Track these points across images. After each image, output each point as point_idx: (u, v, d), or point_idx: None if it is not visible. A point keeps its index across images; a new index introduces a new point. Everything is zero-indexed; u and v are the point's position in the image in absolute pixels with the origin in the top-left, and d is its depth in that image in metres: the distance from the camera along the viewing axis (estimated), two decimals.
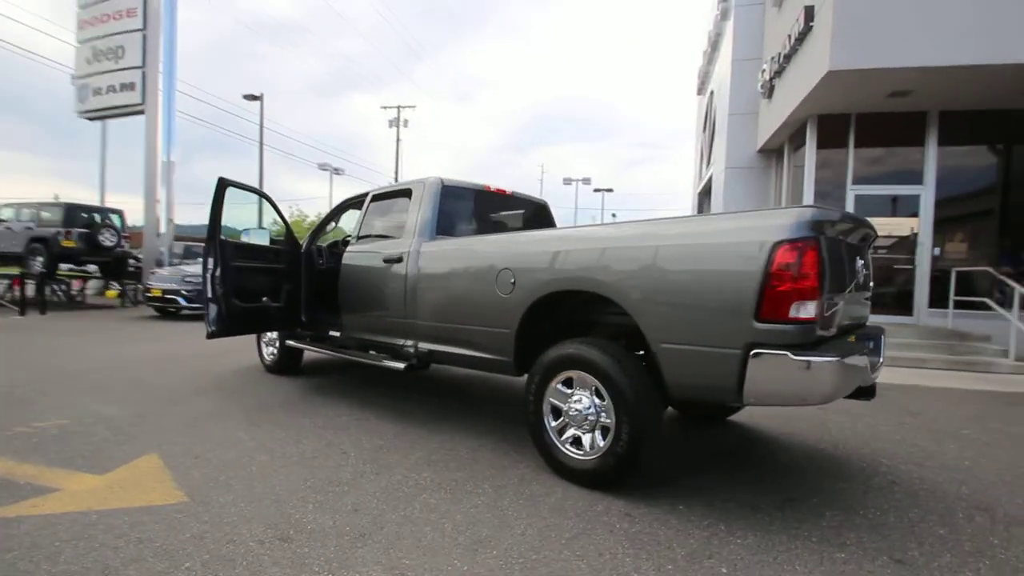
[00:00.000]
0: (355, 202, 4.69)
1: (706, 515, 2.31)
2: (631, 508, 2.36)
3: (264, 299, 4.44)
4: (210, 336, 4.07)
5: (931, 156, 7.12)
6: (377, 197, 4.27)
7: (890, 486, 2.70)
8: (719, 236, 2.14)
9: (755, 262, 2.01)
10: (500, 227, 4.33)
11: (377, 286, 3.87)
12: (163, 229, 13.33)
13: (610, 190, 43.58)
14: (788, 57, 7.53)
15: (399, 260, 3.66)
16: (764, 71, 8.68)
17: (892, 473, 2.88)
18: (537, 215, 4.56)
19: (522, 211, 4.46)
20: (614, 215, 43.77)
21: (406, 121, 32.64)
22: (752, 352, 2.02)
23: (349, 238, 5.64)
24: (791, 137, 8.55)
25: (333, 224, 4.97)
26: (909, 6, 5.66)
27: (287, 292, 4.61)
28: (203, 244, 4.31)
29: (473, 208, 4.06)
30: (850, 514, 2.36)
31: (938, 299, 7.12)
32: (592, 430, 2.57)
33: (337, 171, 35.63)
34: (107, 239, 11.72)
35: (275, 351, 5.10)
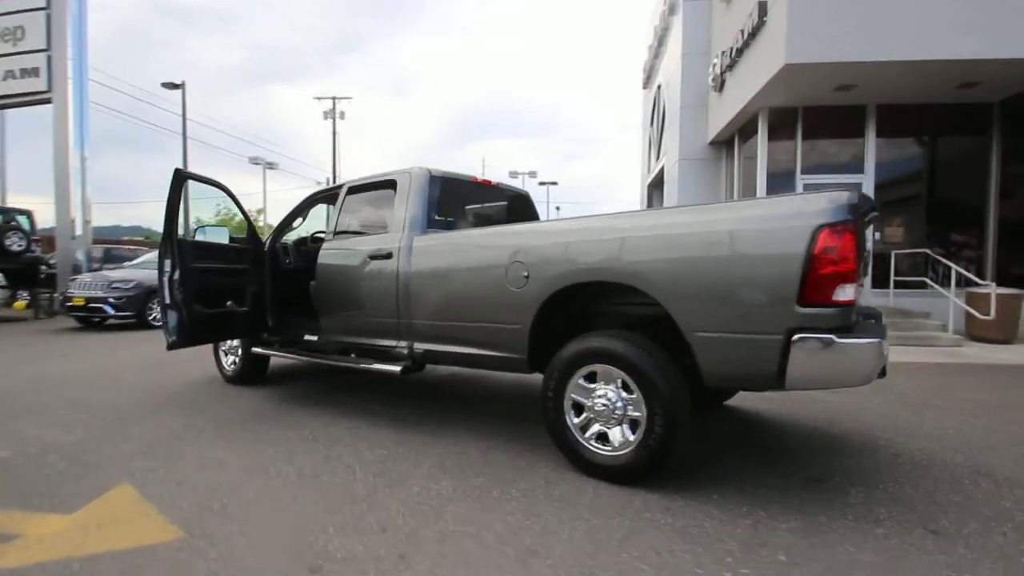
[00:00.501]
0: (326, 196, 4.37)
1: (741, 502, 2.30)
2: (667, 502, 2.31)
3: (229, 303, 4.05)
4: (171, 347, 3.66)
5: (870, 147, 7.65)
6: (354, 190, 3.98)
7: (895, 459, 2.82)
8: (758, 222, 2.11)
9: (798, 246, 2.00)
10: (487, 219, 4.18)
11: (363, 285, 3.61)
12: (79, 231, 12.04)
13: (555, 183, 44.11)
14: (740, 51, 7.82)
15: (388, 256, 3.43)
16: (715, 65, 8.97)
17: (891, 446, 3.01)
18: (520, 206, 4.44)
19: (505, 203, 4.33)
20: (558, 208, 44.34)
21: (342, 113, 31.37)
22: (795, 337, 2.01)
23: (320, 234, 5.30)
24: (741, 129, 8.91)
25: (300, 220, 4.60)
26: (857, 4, 6.00)
27: (252, 295, 4.24)
28: (128, 246, 3.86)
29: (460, 199, 3.87)
30: (872, 489, 2.43)
31: (881, 280, 7.67)
32: (619, 424, 2.50)
33: (271, 165, 33.73)
34: (14, 243, 10.42)
35: (237, 359, 4.68)
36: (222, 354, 4.86)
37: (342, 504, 2.32)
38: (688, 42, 10.07)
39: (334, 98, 30.96)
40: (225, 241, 4.23)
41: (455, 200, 3.78)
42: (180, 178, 3.58)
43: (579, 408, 2.63)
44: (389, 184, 3.72)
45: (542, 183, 42.10)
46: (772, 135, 7.93)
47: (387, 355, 3.54)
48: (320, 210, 4.90)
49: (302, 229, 4.81)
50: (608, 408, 2.50)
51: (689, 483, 2.49)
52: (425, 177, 3.56)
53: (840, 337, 1.96)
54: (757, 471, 2.65)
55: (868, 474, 2.61)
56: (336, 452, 2.98)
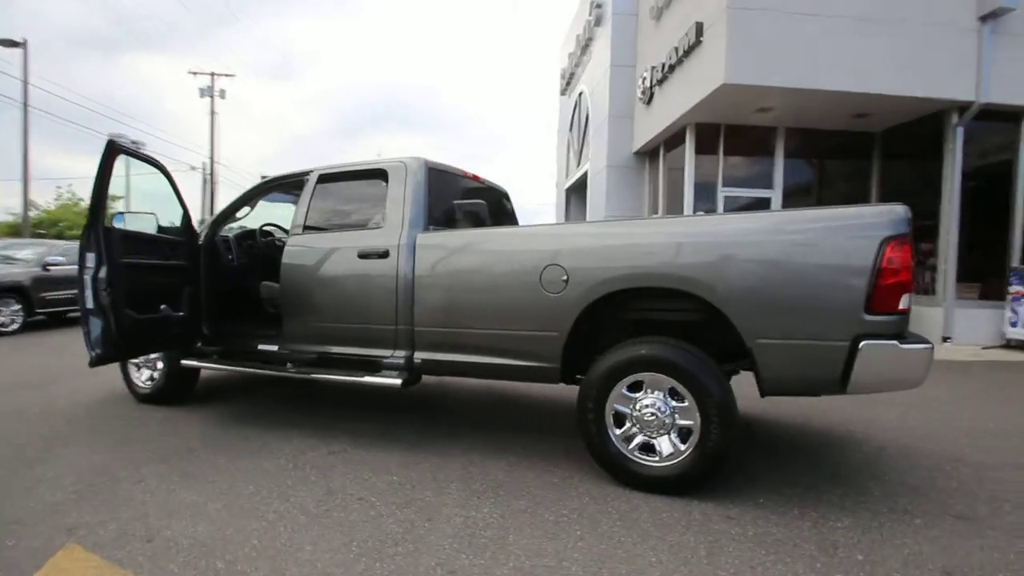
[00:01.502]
0: (286, 183, 3.79)
1: (789, 505, 2.34)
2: (723, 510, 2.29)
3: (163, 307, 3.34)
4: (96, 362, 2.92)
5: (779, 165, 8.52)
6: (328, 179, 3.49)
7: (881, 452, 3.06)
8: (827, 233, 2.16)
9: (867, 257, 2.07)
10: (475, 216, 3.92)
11: (347, 288, 3.17)
12: None
13: None
14: (672, 68, 8.28)
15: (383, 255, 3.04)
16: (644, 79, 9.42)
17: (871, 440, 3.28)
18: (501, 203, 4.22)
19: (498, 199, 4.10)
20: None
21: (222, 92, 28.14)
22: (862, 344, 2.08)
23: (269, 227, 4.63)
24: (667, 141, 9.46)
25: (247, 209, 3.95)
26: (787, 36, 6.62)
27: (189, 297, 3.55)
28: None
29: (452, 195, 3.57)
30: (889, 483, 2.60)
31: None
32: (667, 434, 2.43)
33: (136, 145, 29.25)
34: None
35: (156, 374, 3.89)
36: (133, 368, 4.02)
37: (382, 547, 1.97)
38: (616, 55, 10.48)
39: (213, 74, 27.67)
40: (153, 231, 3.48)
41: (449, 195, 3.48)
42: (112, 152, 2.86)
43: (619, 419, 2.53)
44: (377, 174, 3.32)
45: None
46: (698, 149, 8.51)
47: (375, 366, 3.14)
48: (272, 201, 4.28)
49: (249, 222, 4.15)
50: (657, 418, 2.41)
51: (724, 490, 2.49)
52: (423, 169, 3.22)
53: (903, 343, 2.06)
54: (779, 471, 2.74)
55: (869, 468, 2.81)
56: (337, 483, 2.56)
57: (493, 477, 2.64)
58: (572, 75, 14.67)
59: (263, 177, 4.36)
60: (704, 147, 8.56)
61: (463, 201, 3.58)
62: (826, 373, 2.16)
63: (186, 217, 3.63)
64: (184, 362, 3.67)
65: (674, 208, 9.21)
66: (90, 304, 2.87)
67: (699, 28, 7.26)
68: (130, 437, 3.19)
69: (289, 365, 3.40)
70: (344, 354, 3.24)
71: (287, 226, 4.66)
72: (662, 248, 2.40)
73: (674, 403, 2.41)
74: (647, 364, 2.42)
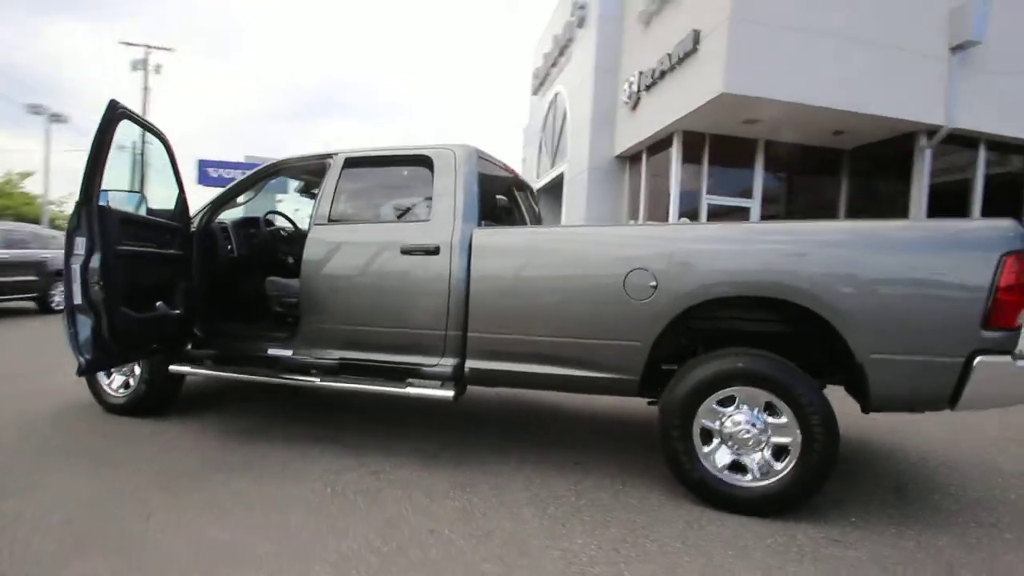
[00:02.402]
0: (302, 167, 3.37)
1: (882, 524, 2.25)
2: (824, 532, 2.16)
3: (159, 304, 2.86)
4: (85, 371, 2.44)
5: (758, 176, 8.78)
6: (356, 163, 3.10)
7: (924, 463, 3.08)
8: (945, 246, 2.09)
9: (987, 272, 2.00)
10: (507, 211, 3.65)
11: (387, 287, 2.82)
12: None
13: None
14: (663, 74, 8.32)
15: (433, 252, 2.72)
16: (631, 83, 9.44)
17: (912, 450, 3.31)
18: (530, 200, 3.98)
19: (529, 193, 3.86)
20: None
21: (158, 67, 25.89)
22: (977, 360, 2.01)
23: (273, 215, 4.15)
24: (651, 147, 9.52)
25: (251, 195, 3.48)
26: (785, 49, 6.79)
27: (184, 292, 3.07)
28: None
29: (494, 187, 3.30)
30: (955, 497, 2.58)
31: None
32: (761, 451, 2.29)
33: (58, 118, 26.38)
34: None
35: (134, 380, 3.35)
36: (102, 372, 3.44)
37: None
38: (601, 57, 10.47)
39: (147, 46, 25.39)
40: (142, 213, 2.96)
41: (492, 188, 3.20)
42: (114, 116, 2.37)
43: (706, 436, 2.36)
44: (418, 161, 2.99)
45: None
46: (684, 158, 8.61)
47: (415, 375, 2.82)
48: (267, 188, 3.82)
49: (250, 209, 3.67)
50: (752, 434, 2.27)
51: (812, 508, 2.37)
52: (474, 158, 2.93)
53: (1016, 359, 2.02)
54: (847, 487, 2.66)
55: (924, 480, 2.77)
56: (393, 510, 2.23)
57: (565, 499, 2.40)
58: (547, 75, 14.59)
59: (201, 161, 3.89)
60: (689, 155, 8.67)
61: (501, 196, 3.32)
62: (937, 389, 2.09)
63: (182, 200, 3.13)
64: (173, 368, 3.17)
65: (656, 213, 9.28)
66: (78, 299, 2.37)
67: (696, 36, 7.32)
68: (116, 458, 2.69)
69: (313, 373, 2.99)
70: (377, 361, 2.89)
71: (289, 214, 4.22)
72: (770, 257, 2.25)
73: (769, 419, 2.27)
74: (745, 378, 2.26)
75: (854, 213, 8.98)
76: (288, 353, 3.06)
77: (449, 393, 2.66)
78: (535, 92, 16.00)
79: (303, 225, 3.99)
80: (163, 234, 2.95)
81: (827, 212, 9.20)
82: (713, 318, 2.53)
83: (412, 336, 2.80)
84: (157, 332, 2.80)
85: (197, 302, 3.22)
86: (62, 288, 2.43)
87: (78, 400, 3.57)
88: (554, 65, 13.81)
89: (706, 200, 8.66)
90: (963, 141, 7.72)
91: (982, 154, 7.89)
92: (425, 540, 2.00)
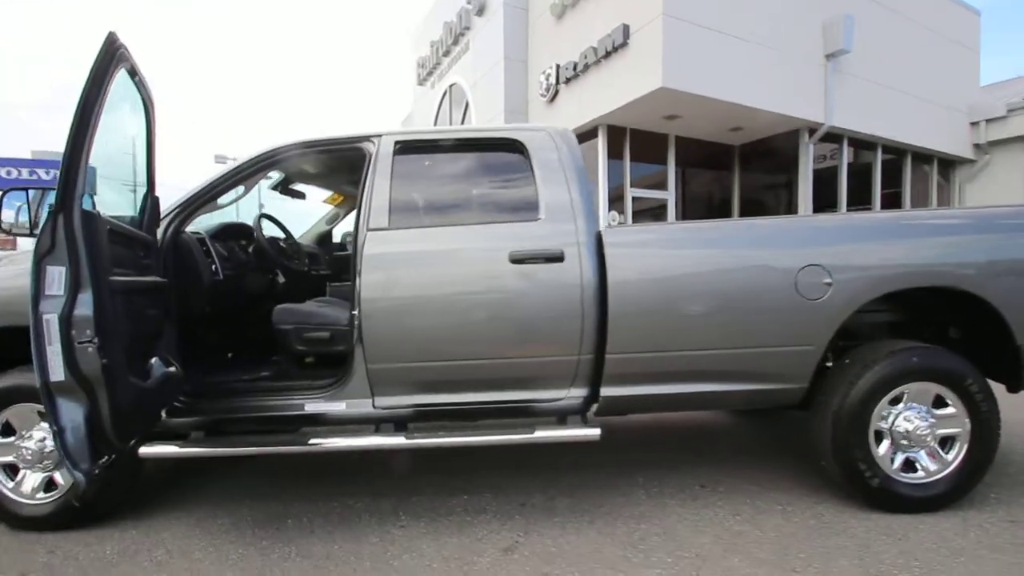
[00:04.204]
0: (324, 152, 2.51)
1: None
2: (998, 525, 2.15)
3: (154, 360, 1.88)
4: (87, 487, 1.44)
5: (671, 170, 9.30)
6: (411, 148, 2.38)
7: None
8: None
9: None
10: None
11: (494, 306, 2.20)
12: None
13: None
14: (587, 67, 8.32)
15: (556, 259, 2.18)
16: (548, 75, 9.31)
17: None
18: None
19: None
20: None
21: None
22: None
23: (267, 217, 3.10)
24: None
25: (241, 191, 2.50)
26: (707, 48, 7.18)
27: (170, 338, 2.10)
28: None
29: None
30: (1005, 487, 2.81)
31: None
32: (929, 446, 2.23)
33: None
34: None
35: (63, 475, 2.20)
36: None
37: None
38: (510, 48, 10.16)
39: None
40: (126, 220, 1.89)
41: None
42: (114, 57, 1.40)
43: (878, 437, 2.24)
44: (502, 145, 2.40)
45: None
46: (608, 152, 8.76)
47: (524, 413, 2.28)
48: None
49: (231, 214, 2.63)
50: (925, 429, 2.19)
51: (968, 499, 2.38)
52: (575, 141, 2.43)
53: None
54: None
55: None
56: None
57: (747, 533, 2.08)
58: (436, 65, 13.86)
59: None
60: (612, 150, 8.84)
61: None
62: None
63: (152, 201, 2.09)
64: (146, 451, 2.12)
65: None
66: (58, 373, 1.37)
67: (626, 30, 7.41)
68: None
69: (380, 428, 2.24)
70: (477, 403, 2.26)
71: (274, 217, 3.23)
72: (944, 247, 2.19)
73: (937, 411, 2.22)
74: (920, 374, 2.17)
75: (747, 201, 10.04)
76: (339, 407, 2.26)
77: (595, 431, 2.16)
78: (421, 82, 15.13)
79: (295, 232, 3.04)
80: (139, 251, 1.93)
81: (724, 203, 10.14)
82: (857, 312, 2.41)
83: (529, 366, 2.24)
84: (160, 403, 1.82)
85: (171, 341, 2.21)
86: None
87: None
88: (446, 54, 13.17)
89: (631, 193, 8.93)
90: (831, 137, 9.04)
91: (845, 148, 9.34)
92: None
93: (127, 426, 1.54)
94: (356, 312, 2.19)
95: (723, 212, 10.25)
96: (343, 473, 2.75)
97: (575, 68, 8.61)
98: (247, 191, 2.53)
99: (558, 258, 2.18)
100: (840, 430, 2.19)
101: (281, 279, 2.92)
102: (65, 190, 1.35)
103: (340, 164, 2.82)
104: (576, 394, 2.25)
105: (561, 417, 2.32)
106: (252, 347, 2.79)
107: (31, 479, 2.24)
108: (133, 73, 1.62)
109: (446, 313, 2.20)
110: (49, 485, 2.24)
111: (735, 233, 2.35)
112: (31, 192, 1.83)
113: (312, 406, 2.26)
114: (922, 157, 10.77)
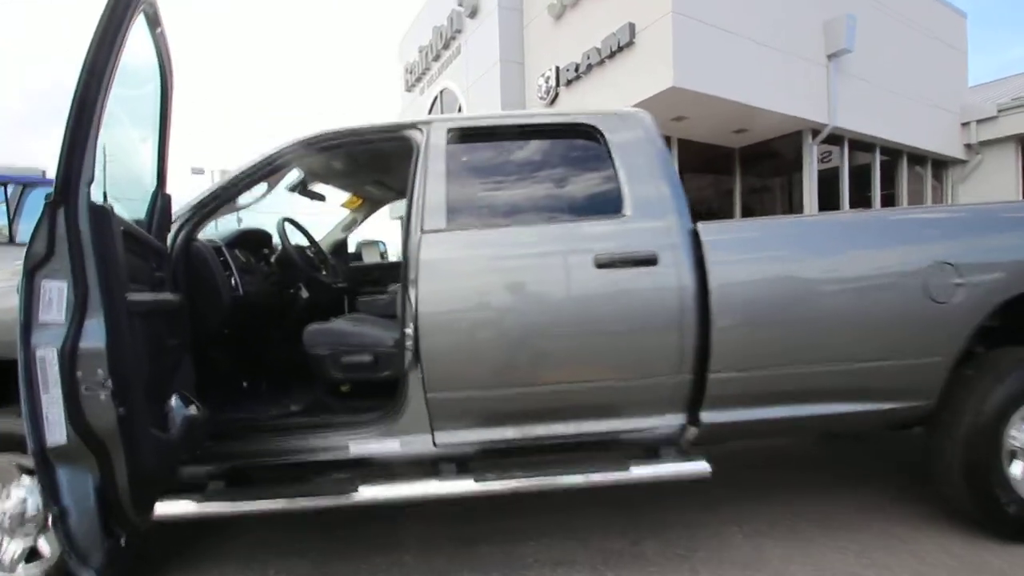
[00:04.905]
0: (361, 142, 2.15)
1: None
2: None
3: (173, 400, 1.48)
4: None
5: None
6: (466, 136, 2.04)
7: None
8: None
9: None
10: None
11: (575, 319, 1.86)
12: None
13: None
14: (589, 68, 8.09)
15: (648, 262, 1.86)
16: (548, 78, 9.06)
17: None
18: None
19: None
20: None
21: None
22: None
23: (290, 221, 2.71)
24: None
25: (265, 188, 2.12)
26: (714, 47, 7.01)
27: (187, 370, 1.71)
28: None
29: None
30: None
31: None
32: None
33: None
34: None
35: (50, 544, 1.78)
36: None
37: None
38: (506, 50, 9.89)
39: None
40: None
41: None
42: (130, 5, 1.03)
43: (1011, 455, 1.96)
44: (573, 132, 2.08)
45: None
46: None
47: (607, 446, 1.95)
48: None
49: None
50: None
51: None
52: (656, 125, 2.11)
53: None
54: None
55: None
56: None
57: (910, 572, 1.78)
58: (426, 70, 13.53)
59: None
60: None
61: None
62: None
63: (164, 199, 1.70)
64: (158, 511, 1.70)
65: None
66: (59, 436, 0.98)
67: (632, 29, 7.19)
68: None
69: (444, 470, 1.87)
70: (555, 436, 1.92)
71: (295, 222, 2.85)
72: None
73: None
74: None
75: (748, 202, 9.92)
76: (392, 446, 1.89)
77: (705, 466, 1.83)
78: (409, 89, 14.77)
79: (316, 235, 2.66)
80: (152, 261, 1.54)
81: (727, 204, 10.00)
82: None
83: (617, 390, 1.91)
84: (186, 456, 1.43)
85: (186, 372, 1.82)
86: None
87: None
88: (436, 59, 12.85)
89: None
90: (831, 139, 8.96)
91: (846, 149, 9.28)
92: None
93: (148, 493, 1.15)
94: (410, 330, 1.83)
95: (724, 217, 10.10)
96: (385, 519, 2.36)
97: (576, 69, 8.37)
98: (271, 188, 2.15)
99: (651, 261, 1.86)
100: (972, 451, 1.91)
101: (304, 293, 2.53)
102: (67, 175, 0.96)
103: (374, 159, 2.47)
104: (671, 422, 1.93)
105: (651, 449, 1.99)
106: (273, 375, 2.39)
107: (10, 548, 1.81)
108: (154, 22, 1.23)
109: (524, 329, 1.85)
110: (32, 554, 1.81)
111: (855, 227, 2.05)
112: (10, 188, 1.43)
113: (358, 446, 1.88)
114: (916, 158, 10.82)
